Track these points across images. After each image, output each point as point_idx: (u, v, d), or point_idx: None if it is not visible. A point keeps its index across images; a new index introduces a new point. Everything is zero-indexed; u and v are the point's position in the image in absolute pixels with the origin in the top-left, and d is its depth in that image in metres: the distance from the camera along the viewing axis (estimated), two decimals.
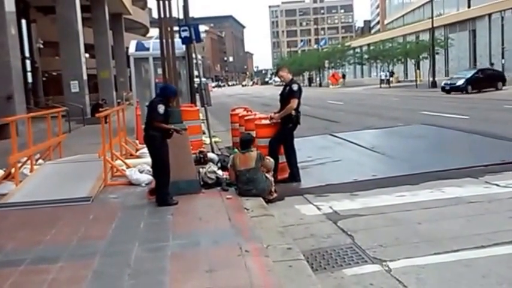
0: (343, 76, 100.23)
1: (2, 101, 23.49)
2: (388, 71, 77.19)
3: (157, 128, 10.01)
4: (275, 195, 10.71)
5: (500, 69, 57.57)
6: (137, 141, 18.46)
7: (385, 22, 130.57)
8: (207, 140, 17.18)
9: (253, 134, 13.56)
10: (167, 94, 10.46)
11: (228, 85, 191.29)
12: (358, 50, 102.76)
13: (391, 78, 75.85)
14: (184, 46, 19.99)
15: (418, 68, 71.93)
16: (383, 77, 77.29)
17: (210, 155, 14.07)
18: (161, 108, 10.01)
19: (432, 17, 59.07)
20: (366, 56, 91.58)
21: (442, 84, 49.77)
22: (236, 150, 12.81)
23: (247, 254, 6.96)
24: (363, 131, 21.32)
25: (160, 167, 10.19)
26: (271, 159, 11.38)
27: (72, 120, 28.50)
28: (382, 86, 71.42)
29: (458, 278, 6.25)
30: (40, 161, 14.92)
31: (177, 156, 10.53)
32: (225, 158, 13.39)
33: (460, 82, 47.45)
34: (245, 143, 11.22)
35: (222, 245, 7.52)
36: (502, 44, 60.74)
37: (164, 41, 11.90)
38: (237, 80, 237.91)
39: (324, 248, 7.65)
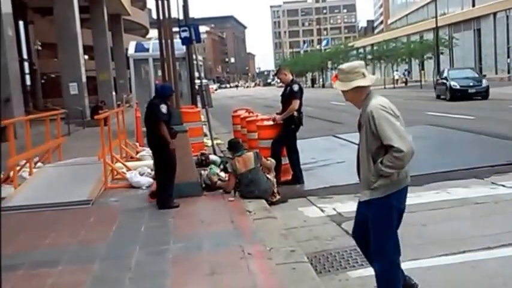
0: None
1: None
2: (405, 69, 76.35)
3: (161, 130, 10.03)
4: (278, 197, 10.71)
5: (505, 70, 57.66)
6: (137, 144, 18.48)
7: (389, 22, 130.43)
8: (209, 142, 17.18)
9: (255, 135, 13.62)
10: (167, 93, 10.51)
11: (231, 86, 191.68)
12: (361, 50, 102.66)
13: (407, 78, 74.76)
14: (184, 47, 20.02)
15: (423, 68, 71.85)
16: (397, 77, 76.66)
17: (212, 157, 14.11)
18: (164, 108, 10.08)
19: (436, 17, 59.10)
20: (369, 57, 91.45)
21: (456, 86, 36.99)
22: (218, 166, 12.81)
23: (250, 257, 6.97)
24: None
25: (166, 169, 10.21)
26: (272, 159, 11.41)
27: (71, 123, 28.50)
28: (387, 86, 71.07)
29: (465, 280, 6.26)
30: (39, 164, 14.93)
31: (178, 158, 10.53)
32: (227, 160, 13.40)
33: (484, 84, 37.18)
34: (235, 146, 11.29)
35: (224, 247, 7.53)
36: (508, 43, 60.57)
37: (164, 41, 11.92)
38: (239, 81, 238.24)
39: (328, 250, 7.66)
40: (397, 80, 75.62)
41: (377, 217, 5.32)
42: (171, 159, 10.22)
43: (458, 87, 36.62)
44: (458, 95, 36.18)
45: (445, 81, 38.96)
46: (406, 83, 72.51)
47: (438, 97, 40.34)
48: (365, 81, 5.29)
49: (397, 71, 77.72)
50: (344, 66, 5.44)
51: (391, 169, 5.04)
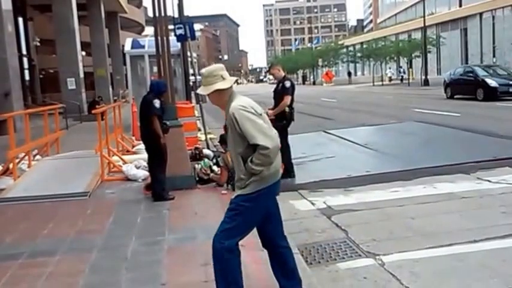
0: (349, 74, 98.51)
1: None
2: (400, 66, 74.58)
3: (153, 124, 10.03)
4: None
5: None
6: (133, 138, 18.46)
7: (378, 21, 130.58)
8: (203, 137, 17.18)
9: None
10: (161, 89, 10.50)
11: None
12: (351, 48, 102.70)
13: (403, 75, 70.86)
14: (179, 44, 19.98)
15: (411, 66, 71.90)
16: (389, 74, 75.78)
17: (206, 151, 14.12)
18: (157, 103, 10.08)
19: (424, 16, 59.06)
20: (359, 55, 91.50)
21: (493, 84, 31.93)
22: (206, 161, 12.79)
23: (242, 248, 6.95)
24: (356, 128, 21.32)
25: (158, 162, 10.21)
26: None
27: (69, 117, 28.41)
28: (375, 84, 71.03)
29: (451, 272, 6.27)
30: (38, 156, 14.92)
31: (173, 152, 10.53)
32: (220, 154, 13.39)
33: None
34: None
35: None
36: (493, 43, 60.78)
37: (159, 38, 11.90)
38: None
39: (318, 242, 7.67)
40: (390, 77, 75.12)
41: (236, 208, 5.19)
42: (162, 153, 10.22)
43: (496, 85, 31.71)
44: (497, 94, 31.27)
45: (470, 78, 34.05)
46: (402, 80, 70.74)
47: (451, 96, 35.73)
48: (224, 84, 5.22)
49: (390, 68, 77.32)
50: (203, 70, 5.36)
51: (260, 166, 4.95)
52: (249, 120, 4.95)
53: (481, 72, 34.02)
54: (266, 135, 4.93)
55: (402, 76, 70.91)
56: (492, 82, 31.95)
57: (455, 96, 35.36)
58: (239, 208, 5.16)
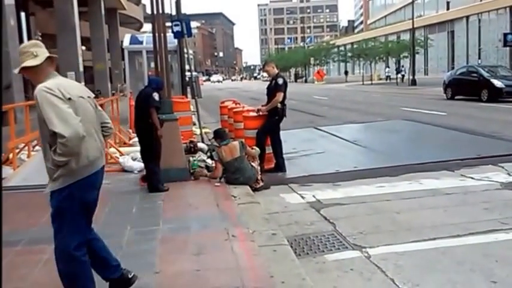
0: (346, 72, 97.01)
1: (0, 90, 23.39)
2: (402, 65, 72.59)
3: (152, 115, 10.01)
4: (261, 183, 10.70)
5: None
6: (130, 131, 18.42)
7: (368, 22, 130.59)
8: (198, 131, 17.17)
9: (241, 125, 13.60)
10: (160, 85, 10.52)
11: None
12: (342, 48, 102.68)
13: (404, 73, 66.15)
14: (176, 40, 19.96)
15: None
16: (388, 73, 74.79)
17: (200, 144, 14.10)
18: (156, 96, 10.07)
19: (413, 18, 59.05)
20: (349, 54, 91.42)
21: (499, 85, 30.43)
22: (205, 153, 12.77)
23: (234, 239, 6.97)
24: (345, 125, 21.34)
25: (153, 155, 10.19)
26: (257, 148, 11.39)
27: None
28: (365, 83, 70.92)
29: (434, 265, 6.28)
30: (37, 147, 14.85)
31: (168, 145, 10.51)
32: (214, 148, 13.39)
33: None
34: (221, 135, 11.28)
35: (210, 229, 7.53)
36: (479, 45, 60.91)
37: (157, 35, 11.88)
38: (227, 74, 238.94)
39: (307, 234, 7.66)
40: (388, 76, 74.39)
41: (56, 210, 4.69)
42: (158, 145, 10.20)
43: (502, 86, 30.16)
44: (503, 95, 29.90)
45: (474, 78, 32.28)
46: (403, 78, 68.13)
47: (452, 97, 34.08)
48: (34, 61, 4.63)
49: (388, 67, 76.44)
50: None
51: (62, 157, 4.39)
52: (50, 104, 4.44)
53: (486, 73, 32.27)
54: (66, 123, 4.37)
55: (403, 75, 68.39)
56: (498, 83, 30.47)
57: (456, 97, 33.84)
58: (58, 208, 4.69)
